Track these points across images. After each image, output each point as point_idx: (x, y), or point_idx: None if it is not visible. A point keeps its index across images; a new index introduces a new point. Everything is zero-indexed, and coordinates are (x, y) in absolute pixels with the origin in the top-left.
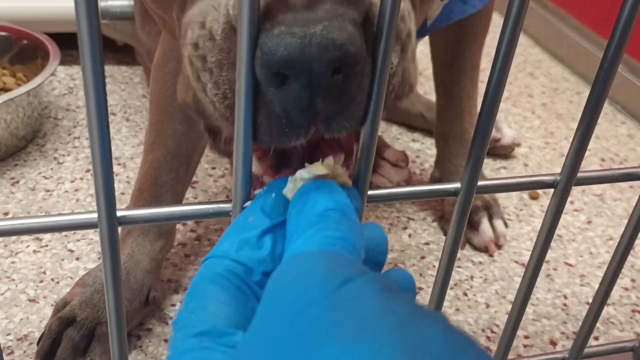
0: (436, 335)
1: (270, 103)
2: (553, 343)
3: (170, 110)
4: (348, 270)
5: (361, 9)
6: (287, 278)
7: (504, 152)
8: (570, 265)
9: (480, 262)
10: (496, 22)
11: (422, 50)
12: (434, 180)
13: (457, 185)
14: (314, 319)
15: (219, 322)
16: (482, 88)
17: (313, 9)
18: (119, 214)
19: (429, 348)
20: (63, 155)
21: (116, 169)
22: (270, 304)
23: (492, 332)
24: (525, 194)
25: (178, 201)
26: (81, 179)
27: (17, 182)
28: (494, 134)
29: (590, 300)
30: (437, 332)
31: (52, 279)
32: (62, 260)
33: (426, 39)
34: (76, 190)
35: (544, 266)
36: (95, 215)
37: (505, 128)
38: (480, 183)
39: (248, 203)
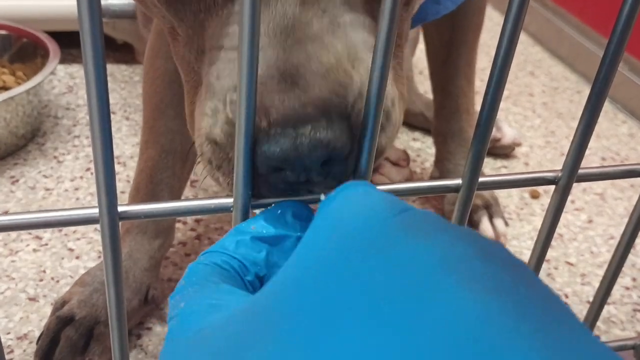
0: (499, 248)
1: (271, 181)
2: None
3: (162, 107)
4: (403, 203)
5: (351, 95)
6: (350, 206)
7: (504, 152)
8: (571, 264)
9: None
10: (497, 20)
11: (423, 49)
12: (433, 179)
13: (459, 181)
14: (388, 227)
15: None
16: (482, 87)
17: (304, 102)
18: (120, 209)
19: (498, 254)
20: (63, 154)
21: (116, 167)
22: (332, 226)
23: None
24: (526, 193)
25: (176, 198)
26: (81, 177)
27: (17, 180)
28: (495, 133)
29: (591, 299)
30: (500, 247)
31: (52, 278)
32: (62, 259)
33: (421, 37)
34: (76, 189)
35: (545, 265)
36: (96, 210)
37: (506, 127)
38: (481, 179)
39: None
